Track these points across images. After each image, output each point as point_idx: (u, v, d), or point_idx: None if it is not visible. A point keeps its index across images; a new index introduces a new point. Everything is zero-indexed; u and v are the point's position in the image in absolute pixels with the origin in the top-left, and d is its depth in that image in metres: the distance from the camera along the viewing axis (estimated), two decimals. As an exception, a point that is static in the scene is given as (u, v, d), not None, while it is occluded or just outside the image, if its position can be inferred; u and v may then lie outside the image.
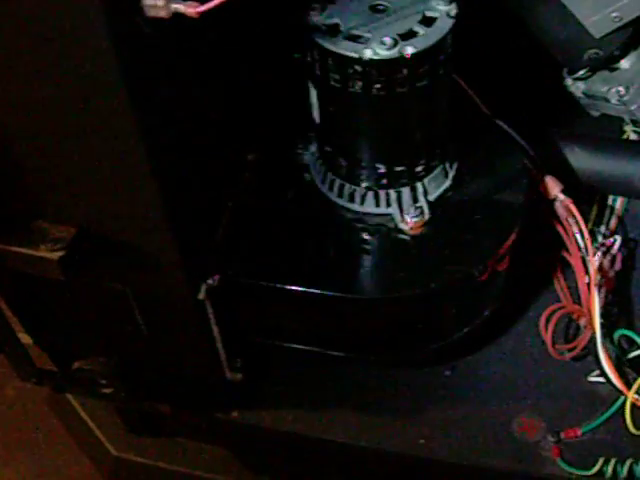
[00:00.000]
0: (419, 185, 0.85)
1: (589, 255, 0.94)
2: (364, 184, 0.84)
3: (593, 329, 0.94)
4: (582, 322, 1.00)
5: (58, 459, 1.34)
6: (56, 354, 0.95)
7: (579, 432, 0.97)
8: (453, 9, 0.76)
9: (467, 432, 1.00)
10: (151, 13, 0.59)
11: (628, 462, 0.93)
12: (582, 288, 0.95)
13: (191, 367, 0.93)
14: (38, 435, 1.37)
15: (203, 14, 0.59)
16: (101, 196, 0.72)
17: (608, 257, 1.01)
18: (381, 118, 0.78)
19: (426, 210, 0.85)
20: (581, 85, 1.07)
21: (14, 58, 0.60)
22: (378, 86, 0.74)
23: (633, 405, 0.93)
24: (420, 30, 0.74)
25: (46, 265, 0.73)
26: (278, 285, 0.83)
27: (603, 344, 0.93)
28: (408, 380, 1.04)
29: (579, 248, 0.94)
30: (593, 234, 1.07)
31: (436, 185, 0.86)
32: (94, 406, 1.19)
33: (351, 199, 0.86)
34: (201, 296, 0.82)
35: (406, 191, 0.85)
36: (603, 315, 0.94)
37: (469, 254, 0.84)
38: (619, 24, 0.93)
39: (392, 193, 0.85)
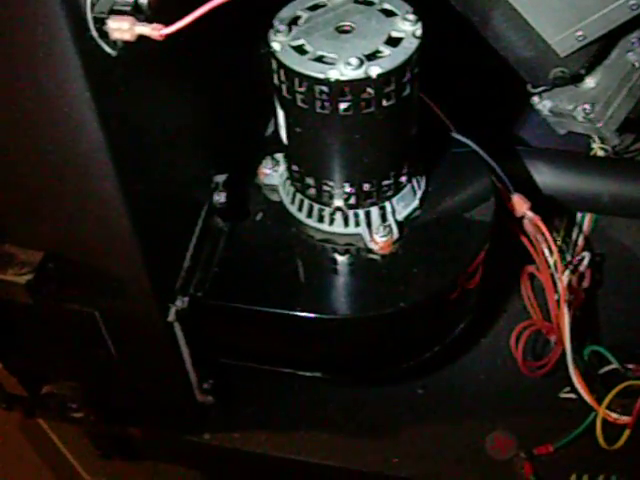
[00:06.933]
0: (387, 204, 0.85)
1: (558, 272, 0.94)
2: (333, 204, 0.85)
3: (563, 346, 0.95)
4: (552, 338, 1.01)
5: (30, 485, 1.32)
6: (25, 378, 0.95)
7: (551, 449, 0.97)
8: (418, 29, 0.76)
9: (440, 450, 1.00)
10: (116, 36, 0.59)
11: (600, 478, 0.94)
12: (552, 305, 0.96)
13: (161, 389, 0.93)
14: (10, 460, 1.36)
15: (168, 36, 0.60)
16: (68, 220, 0.71)
17: (577, 274, 1.02)
18: (348, 138, 0.78)
19: (395, 229, 0.85)
20: (548, 103, 1.08)
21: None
22: (345, 106, 0.74)
23: (604, 420, 0.93)
24: (386, 50, 0.75)
25: (13, 289, 0.72)
26: (248, 306, 0.83)
27: (573, 360, 0.94)
28: (381, 399, 1.04)
29: (548, 265, 0.95)
30: (562, 251, 1.07)
31: (404, 204, 0.86)
32: (66, 431, 1.18)
33: (320, 219, 0.86)
34: (170, 318, 0.81)
35: (375, 211, 0.85)
36: (573, 331, 0.94)
37: (439, 272, 0.84)
38: (583, 43, 0.94)
39: (361, 213, 0.85)
